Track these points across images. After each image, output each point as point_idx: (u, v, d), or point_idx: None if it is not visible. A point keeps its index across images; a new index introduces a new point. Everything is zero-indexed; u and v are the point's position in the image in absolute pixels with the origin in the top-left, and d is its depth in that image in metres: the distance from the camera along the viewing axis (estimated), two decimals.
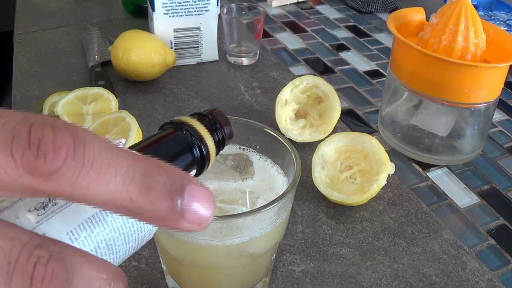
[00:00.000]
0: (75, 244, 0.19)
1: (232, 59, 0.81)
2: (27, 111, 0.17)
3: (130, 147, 0.24)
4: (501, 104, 0.76)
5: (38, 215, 0.19)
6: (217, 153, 0.28)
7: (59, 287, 0.17)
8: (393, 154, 0.63)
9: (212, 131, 0.27)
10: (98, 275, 0.18)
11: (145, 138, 0.25)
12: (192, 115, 0.28)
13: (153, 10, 0.73)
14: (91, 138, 0.17)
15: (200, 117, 0.28)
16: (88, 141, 0.17)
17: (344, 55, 0.88)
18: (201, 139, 0.26)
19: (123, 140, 0.23)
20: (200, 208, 0.18)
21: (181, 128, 0.26)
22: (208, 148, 0.26)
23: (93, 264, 0.18)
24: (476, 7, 0.87)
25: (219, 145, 0.28)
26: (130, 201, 0.17)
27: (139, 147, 0.24)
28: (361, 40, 0.94)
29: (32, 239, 0.17)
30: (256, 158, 0.44)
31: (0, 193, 0.17)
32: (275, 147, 0.42)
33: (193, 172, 0.27)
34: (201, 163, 0.26)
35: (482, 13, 1.02)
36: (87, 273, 0.18)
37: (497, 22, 0.99)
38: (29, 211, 0.19)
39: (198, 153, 0.26)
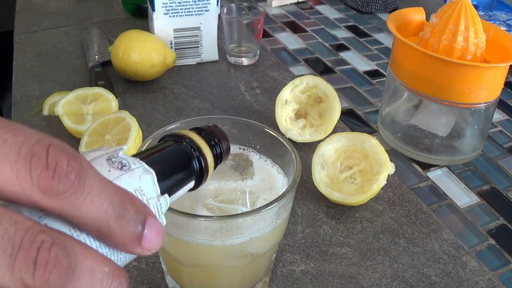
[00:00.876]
0: None
1: (232, 59, 0.81)
2: (37, 130, 0.19)
3: (133, 156, 0.24)
4: (501, 104, 0.76)
5: (41, 210, 0.19)
6: (215, 166, 0.29)
7: (62, 273, 0.17)
8: (393, 154, 0.63)
9: (210, 145, 0.28)
10: (101, 268, 0.19)
11: (146, 149, 0.26)
12: (191, 129, 0.29)
13: (153, 10, 0.73)
14: (90, 167, 0.19)
15: (199, 131, 0.28)
16: (89, 170, 0.19)
17: (344, 55, 0.88)
18: (200, 152, 0.27)
19: (124, 147, 0.23)
20: (153, 238, 0.21)
21: (181, 140, 0.27)
22: (207, 160, 0.27)
23: (96, 257, 0.19)
24: (476, 7, 0.87)
25: (217, 159, 0.29)
26: (106, 224, 0.20)
27: (140, 157, 0.24)
28: (361, 40, 0.94)
29: (35, 225, 0.18)
30: (256, 158, 0.44)
31: (5, 198, 0.18)
32: (275, 147, 0.42)
33: (192, 183, 0.27)
34: (200, 175, 0.27)
35: (482, 13, 1.02)
36: (90, 264, 0.19)
37: (497, 22, 0.99)
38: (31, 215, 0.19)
39: (197, 165, 0.27)
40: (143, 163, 0.23)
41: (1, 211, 0.17)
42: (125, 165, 0.22)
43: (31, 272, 0.17)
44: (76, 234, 0.20)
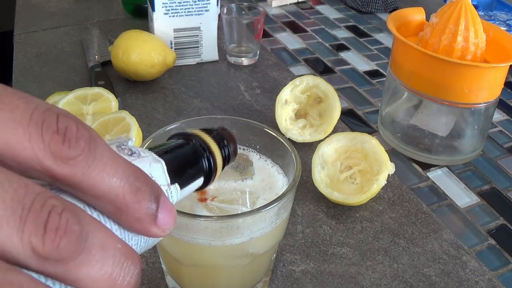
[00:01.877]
0: None
1: (232, 59, 0.81)
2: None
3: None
4: (501, 104, 0.76)
5: (50, 189, 0.19)
6: (223, 167, 0.28)
7: (73, 241, 0.17)
8: (393, 154, 0.63)
9: (220, 146, 0.28)
10: (113, 243, 0.18)
11: (155, 145, 0.26)
12: (201, 130, 0.29)
13: (153, 10, 0.73)
14: (100, 138, 0.19)
15: (209, 132, 0.28)
16: (98, 140, 0.19)
17: (344, 55, 0.88)
18: (210, 150, 0.27)
19: (133, 139, 0.23)
20: (167, 217, 0.20)
21: (191, 138, 0.27)
22: (216, 159, 0.27)
23: (108, 233, 0.18)
24: (476, 7, 0.87)
25: (225, 160, 0.29)
26: (122, 197, 0.19)
27: (150, 149, 0.24)
28: (361, 40, 0.94)
29: (46, 191, 0.17)
30: (256, 158, 0.44)
31: (18, 164, 0.17)
32: (275, 147, 0.42)
33: (201, 181, 0.27)
34: (209, 174, 0.27)
35: (482, 13, 1.02)
36: (102, 237, 0.18)
37: (497, 22, 0.99)
38: (42, 185, 0.19)
39: (207, 163, 0.27)
40: (153, 153, 0.23)
41: (11, 174, 0.17)
42: (134, 153, 0.22)
43: (41, 236, 0.16)
44: (89, 211, 0.19)
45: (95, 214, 0.19)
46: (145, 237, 0.21)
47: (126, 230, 0.20)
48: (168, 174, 0.23)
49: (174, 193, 0.23)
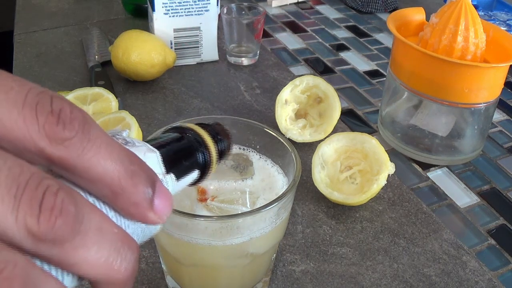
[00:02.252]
0: None
1: (232, 59, 0.81)
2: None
3: None
4: (501, 104, 0.76)
5: (50, 169, 0.19)
6: (218, 162, 0.28)
7: (69, 221, 0.16)
8: (393, 154, 0.63)
9: (215, 140, 0.28)
10: (110, 228, 0.18)
11: (150, 138, 0.26)
12: (196, 124, 0.29)
13: (153, 10, 0.73)
14: (94, 122, 0.19)
15: (204, 126, 0.29)
16: (93, 123, 0.19)
17: (344, 55, 0.88)
18: (205, 144, 0.27)
19: (128, 131, 0.23)
20: (163, 203, 0.20)
21: (185, 132, 0.27)
22: (210, 152, 0.27)
23: (105, 217, 0.18)
24: (476, 7, 0.87)
25: (220, 155, 0.29)
26: (117, 180, 0.19)
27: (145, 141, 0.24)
28: (361, 40, 0.94)
29: (41, 171, 0.17)
30: (256, 158, 0.44)
31: (12, 149, 0.17)
32: (275, 147, 0.42)
33: (196, 173, 0.27)
34: (204, 168, 0.27)
35: (482, 13, 1.02)
36: (98, 220, 0.18)
37: (497, 22, 0.99)
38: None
39: (202, 156, 0.27)
40: (148, 144, 0.23)
41: (6, 154, 0.16)
42: (129, 142, 0.22)
43: (36, 216, 0.16)
44: (85, 197, 0.19)
45: (90, 200, 0.19)
46: (142, 226, 0.21)
47: (122, 218, 0.20)
48: (164, 164, 0.23)
49: (170, 182, 0.23)
